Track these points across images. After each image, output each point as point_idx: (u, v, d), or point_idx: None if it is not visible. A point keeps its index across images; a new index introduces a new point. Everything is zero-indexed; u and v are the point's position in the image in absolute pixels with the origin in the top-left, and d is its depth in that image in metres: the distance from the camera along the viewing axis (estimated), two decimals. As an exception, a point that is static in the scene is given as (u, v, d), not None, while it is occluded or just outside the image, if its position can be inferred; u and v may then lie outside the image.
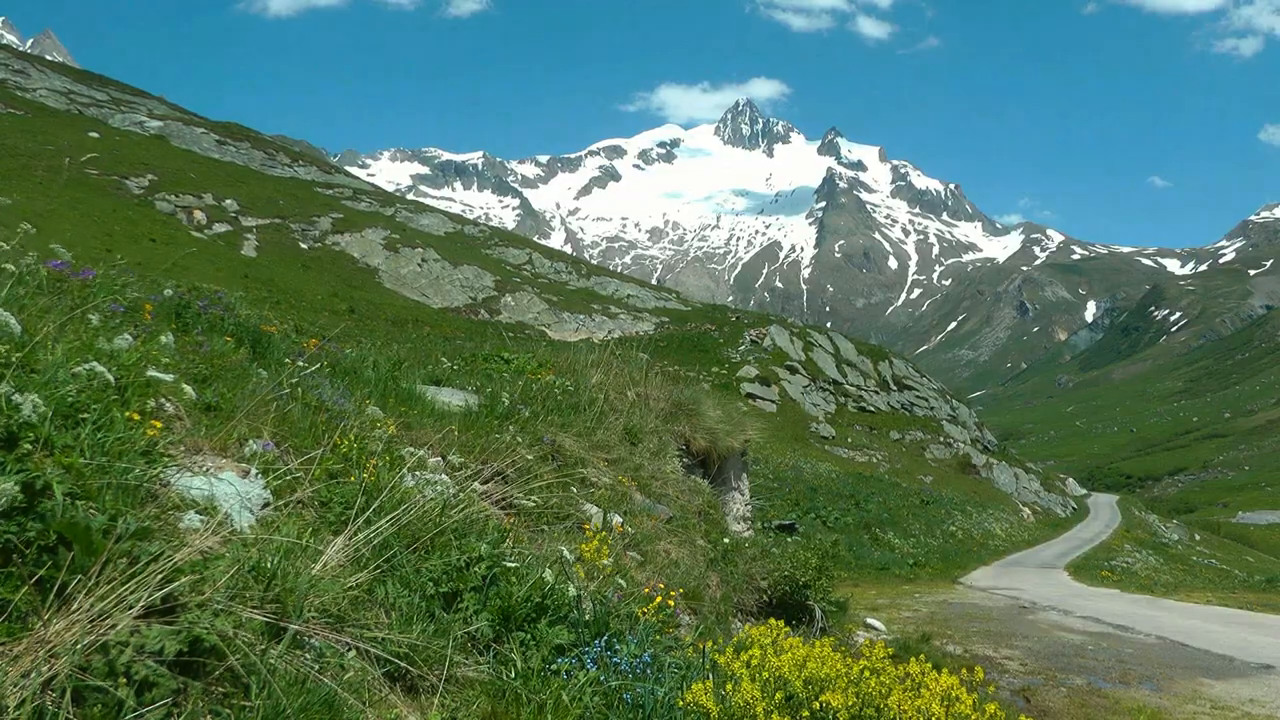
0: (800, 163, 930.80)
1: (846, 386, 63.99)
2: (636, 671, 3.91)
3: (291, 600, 2.86)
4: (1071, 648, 12.21)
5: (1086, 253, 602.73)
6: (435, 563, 3.77)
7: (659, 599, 4.98)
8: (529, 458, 5.90)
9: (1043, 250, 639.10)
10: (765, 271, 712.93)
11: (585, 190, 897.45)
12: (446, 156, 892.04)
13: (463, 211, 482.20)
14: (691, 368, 49.89)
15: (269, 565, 2.90)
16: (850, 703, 3.89)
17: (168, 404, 3.85)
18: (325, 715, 2.66)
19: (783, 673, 4.12)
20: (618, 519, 6.21)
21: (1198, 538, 65.96)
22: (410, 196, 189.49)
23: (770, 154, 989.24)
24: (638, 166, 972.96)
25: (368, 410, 5.31)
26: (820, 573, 10.00)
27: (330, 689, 2.72)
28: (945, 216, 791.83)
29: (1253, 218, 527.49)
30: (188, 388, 4.07)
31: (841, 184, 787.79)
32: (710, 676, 4.14)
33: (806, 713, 3.91)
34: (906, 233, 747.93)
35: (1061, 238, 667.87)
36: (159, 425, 3.41)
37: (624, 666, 3.89)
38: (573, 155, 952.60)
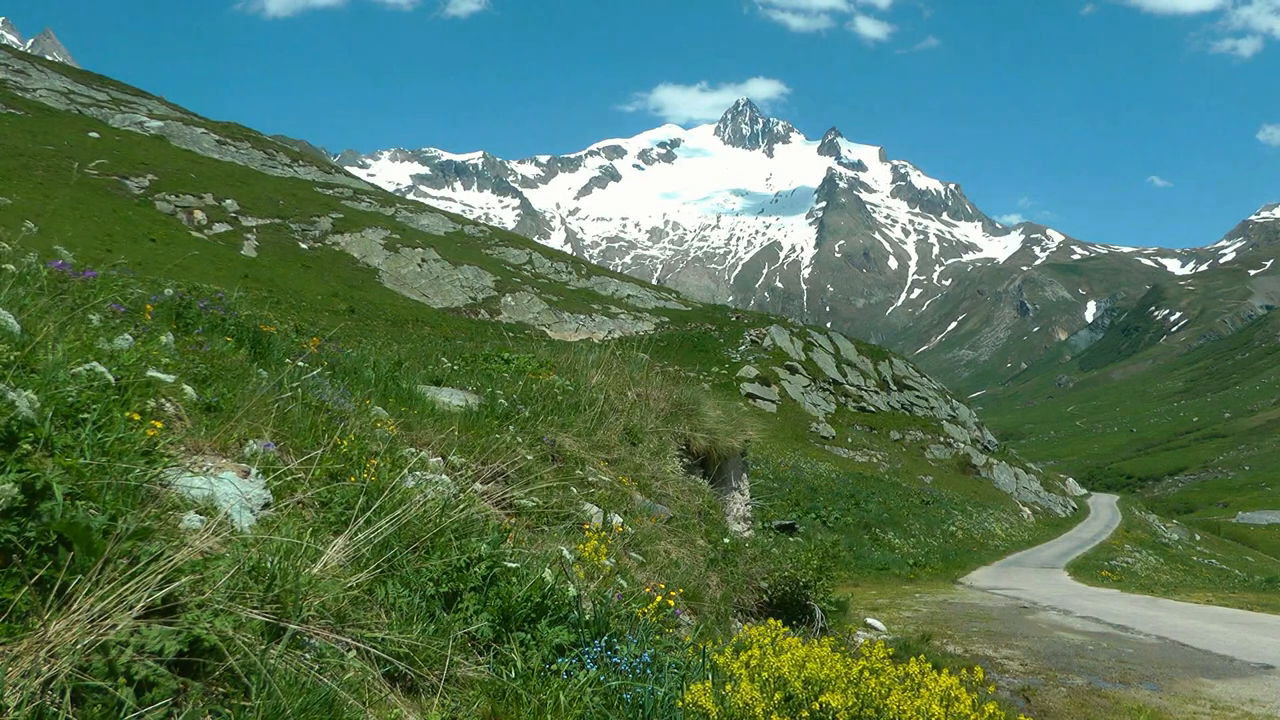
0: (800, 163, 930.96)
1: (846, 386, 63.95)
2: (636, 672, 3.91)
3: (291, 600, 2.86)
4: (1071, 648, 12.20)
5: (1086, 253, 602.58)
6: (435, 563, 3.77)
7: (659, 599, 4.99)
8: (529, 458, 5.90)
9: (1043, 250, 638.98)
10: (765, 271, 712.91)
11: (585, 190, 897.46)
12: (446, 156, 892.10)
13: (463, 211, 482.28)
14: (691, 368, 49.85)
15: (269, 565, 2.90)
16: (850, 703, 3.89)
17: (168, 404, 3.85)
18: (325, 715, 2.66)
19: (782, 673, 4.12)
20: (618, 519, 6.21)
21: (1198, 538, 65.92)
22: (410, 196, 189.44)
23: (770, 154, 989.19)
24: (637, 167, 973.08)
25: (372, 411, 5.31)
26: (821, 573, 9.99)
27: (330, 689, 2.72)
28: (945, 216, 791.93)
29: (1253, 218, 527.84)
30: (188, 388, 4.07)
31: (841, 184, 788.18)
32: (710, 677, 4.14)
33: (806, 713, 3.91)
34: (906, 233, 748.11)
35: (1061, 238, 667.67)
36: (159, 425, 3.41)
37: (624, 666, 3.89)
38: (573, 155, 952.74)
